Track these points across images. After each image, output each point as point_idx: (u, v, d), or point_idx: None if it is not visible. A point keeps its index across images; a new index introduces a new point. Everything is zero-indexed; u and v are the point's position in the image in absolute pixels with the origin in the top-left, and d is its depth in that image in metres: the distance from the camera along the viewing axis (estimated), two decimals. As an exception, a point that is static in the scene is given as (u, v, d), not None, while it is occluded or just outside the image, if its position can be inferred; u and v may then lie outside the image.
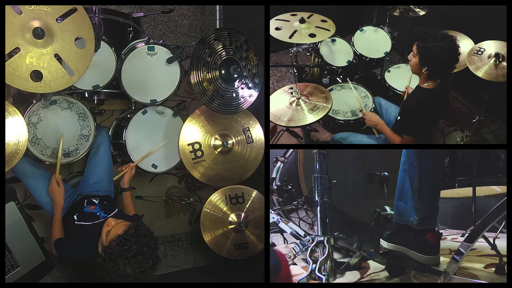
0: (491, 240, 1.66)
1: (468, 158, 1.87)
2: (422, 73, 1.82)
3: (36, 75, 1.62)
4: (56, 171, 1.99)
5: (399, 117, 2.01)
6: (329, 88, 2.46)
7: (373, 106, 2.35)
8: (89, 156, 2.20)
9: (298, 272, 1.85)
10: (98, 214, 1.93)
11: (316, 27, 2.24)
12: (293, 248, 1.64)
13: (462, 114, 2.78)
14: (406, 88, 2.22)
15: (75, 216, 1.90)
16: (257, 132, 2.52)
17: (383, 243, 1.90)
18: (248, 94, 2.26)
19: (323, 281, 1.49)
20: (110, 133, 2.45)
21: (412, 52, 1.81)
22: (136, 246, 1.51)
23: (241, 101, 2.25)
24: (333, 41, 2.59)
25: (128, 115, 2.33)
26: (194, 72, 2.08)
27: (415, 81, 1.96)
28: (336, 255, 1.98)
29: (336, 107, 2.36)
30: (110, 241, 1.55)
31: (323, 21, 2.31)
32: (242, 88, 2.24)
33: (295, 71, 2.48)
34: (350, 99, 2.40)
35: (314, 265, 1.52)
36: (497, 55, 2.19)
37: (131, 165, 2.22)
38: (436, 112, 1.88)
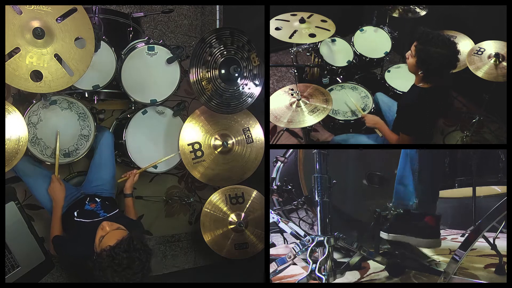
0: (491, 240, 1.66)
1: (468, 158, 1.87)
2: (418, 74, 1.81)
3: (36, 75, 1.62)
4: (55, 170, 1.99)
5: (396, 116, 2.01)
6: (329, 88, 2.46)
7: (373, 106, 2.35)
8: (93, 157, 2.20)
9: (298, 272, 1.86)
10: (98, 212, 1.92)
11: (316, 27, 2.24)
12: (293, 248, 1.64)
13: (462, 114, 2.78)
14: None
15: (75, 213, 1.90)
16: (257, 132, 2.52)
17: (383, 235, 1.87)
18: (247, 95, 2.26)
19: (323, 281, 1.50)
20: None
21: (410, 51, 1.80)
22: (126, 261, 1.48)
23: (241, 101, 2.25)
24: (333, 41, 2.59)
25: (128, 115, 2.33)
26: (194, 69, 2.09)
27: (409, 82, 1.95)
28: (336, 255, 1.98)
29: (336, 107, 2.36)
30: (101, 250, 1.54)
31: (323, 21, 2.31)
32: (243, 88, 2.24)
33: (295, 71, 2.48)
34: (350, 99, 2.40)
35: (314, 265, 1.52)
36: (497, 55, 2.19)
37: (135, 171, 2.21)
38: (432, 111, 1.87)
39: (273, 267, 1.67)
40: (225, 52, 2.15)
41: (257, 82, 2.25)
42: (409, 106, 1.88)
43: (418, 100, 1.82)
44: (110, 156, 2.21)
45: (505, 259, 1.60)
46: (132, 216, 2.14)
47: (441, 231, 1.95)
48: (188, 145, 2.39)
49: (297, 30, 2.20)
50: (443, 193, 1.90)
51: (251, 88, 2.26)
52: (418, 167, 1.76)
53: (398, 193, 1.84)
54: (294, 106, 2.06)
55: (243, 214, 2.47)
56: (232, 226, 2.45)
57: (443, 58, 1.70)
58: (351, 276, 1.71)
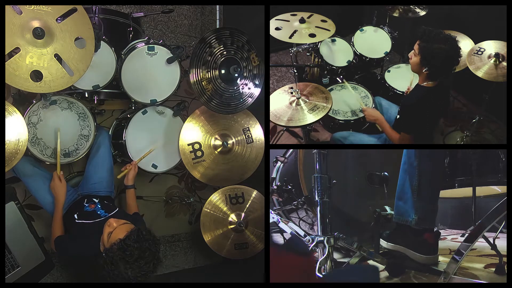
0: (491, 240, 1.66)
1: (468, 158, 1.87)
2: (422, 72, 1.82)
3: (36, 75, 1.62)
4: (57, 167, 1.99)
5: (398, 116, 2.01)
6: (329, 88, 2.45)
7: (373, 106, 2.35)
8: (90, 156, 2.20)
9: (298, 272, 1.85)
10: (99, 212, 1.93)
11: (316, 27, 2.24)
12: (293, 248, 1.64)
13: (462, 114, 2.78)
14: (407, 88, 2.21)
15: (75, 215, 1.90)
16: (257, 132, 2.52)
17: (382, 243, 1.90)
18: (247, 95, 2.26)
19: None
20: (110, 133, 2.45)
21: (413, 51, 1.81)
22: (138, 252, 1.50)
23: (241, 101, 2.25)
24: (333, 41, 2.58)
25: (128, 115, 2.33)
26: (194, 69, 2.09)
27: (416, 81, 1.96)
28: (336, 255, 1.98)
29: (336, 107, 2.35)
30: (111, 244, 1.55)
31: (323, 21, 2.31)
32: (242, 88, 2.24)
33: (295, 71, 2.48)
34: (350, 99, 2.40)
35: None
36: (497, 55, 2.19)
37: (133, 163, 2.22)
38: (435, 110, 1.88)
39: (273, 266, 1.67)
40: (225, 52, 2.16)
41: (257, 82, 2.25)
42: (412, 105, 1.88)
43: (422, 99, 1.83)
44: (107, 154, 2.22)
45: (505, 259, 1.60)
46: (133, 208, 2.15)
47: (441, 231, 1.95)
48: (188, 145, 2.39)
49: (297, 30, 2.20)
50: (443, 193, 1.90)
51: (251, 88, 2.26)
52: (417, 183, 1.77)
53: (398, 209, 1.85)
54: (294, 104, 2.06)
55: (243, 214, 2.47)
56: (232, 226, 2.45)
57: (446, 54, 1.72)
58: (351, 276, 1.71)
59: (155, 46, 2.18)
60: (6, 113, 1.66)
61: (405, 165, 1.83)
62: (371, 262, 1.84)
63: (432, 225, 1.80)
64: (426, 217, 1.78)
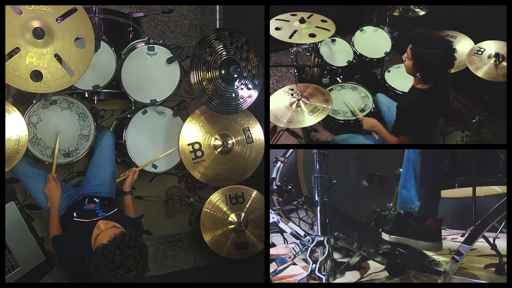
0: (491, 240, 1.66)
1: (468, 158, 1.87)
2: (416, 76, 1.81)
3: (36, 75, 1.62)
4: (52, 169, 1.99)
5: (396, 118, 2.00)
6: (329, 88, 2.46)
7: (373, 106, 2.35)
8: (92, 156, 2.20)
9: (298, 272, 1.86)
10: (97, 212, 1.92)
11: (316, 27, 2.24)
12: (293, 248, 1.64)
13: (462, 114, 2.78)
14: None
15: (74, 213, 1.90)
16: (257, 132, 2.52)
17: (385, 236, 1.87)
18: (247, 95, 2.26)
19: (323, 281, 1.50)
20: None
21: (406, 54, 1.79)
22: (120, 259, 1.47)
23: (240, 101, 2.26)
24: (333, 41, 2.59)
25: (128, 115, 2.33)
26: (194, 70, 2.09)
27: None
28: (336, 255, 1.98)
29: (336, 107, 2.36)
30: (96, 248, 1.54)
31: (323, 21, 2.31)
32: (242, 89, 2.24)
33: (295, 71, 2.48)
34: (350, 99, 2.40)
35: (314, 265, 1.52)
36: (497, 55, 2.19)
37: (134, 169, 2.21)
38: (432, 112, 1.87)
39: (273, 267, 1.68)
40: (224, 53, 2.16)
41: (256, 82, 2.26)
42: (408, 108, 1.87)
43: (417, 102, 1.82)
44: (110, 156, 2.21)
45: (505, 259, 1.60)
46: (131, 214, 2.14)
47: (441, 231, 1.95)
48: (188, 145, 2.39)
49: (297, 30, 2.20)
50: (443, 193, 1.90)
51: (251, 88, 2.26)
52: (420, 171, 1.76)
53: (402, 196, 1.85)
54: (294, 106, 2.06)
55: (243, 214, 2.47)
56: (232, 226, 2.45)
57: (439, 58, 1.70)
58: (351, 276, 1.71)
59: (155, 46, 2.18)
60: (6, 113, 1.66)
61: (408, 153, 1.83)
62: (371, 262, 1.85)
63: (435, 212, 1.79)
64: (428, 203, 1.78)
